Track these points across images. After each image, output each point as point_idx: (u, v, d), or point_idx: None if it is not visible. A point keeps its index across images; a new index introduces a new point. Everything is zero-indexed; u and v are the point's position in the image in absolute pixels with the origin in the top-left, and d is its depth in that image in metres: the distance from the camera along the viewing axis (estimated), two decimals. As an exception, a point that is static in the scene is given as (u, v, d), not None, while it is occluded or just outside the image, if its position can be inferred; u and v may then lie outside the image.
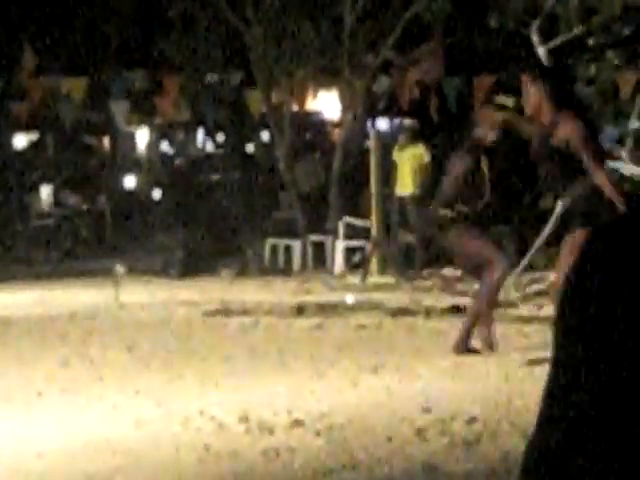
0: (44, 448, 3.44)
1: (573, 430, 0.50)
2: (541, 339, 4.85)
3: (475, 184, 5.01)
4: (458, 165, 5.09)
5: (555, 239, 8.42)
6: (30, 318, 6.88)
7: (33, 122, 13.11)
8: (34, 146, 14.34)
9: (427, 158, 9.99)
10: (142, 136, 16.28)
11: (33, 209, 13.35)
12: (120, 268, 7.58)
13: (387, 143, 10.66)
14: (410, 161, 9.93)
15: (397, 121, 14.04)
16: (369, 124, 12.08)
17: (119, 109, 11.75)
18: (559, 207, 7.26)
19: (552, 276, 7.09)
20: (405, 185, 9.91)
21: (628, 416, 0.49)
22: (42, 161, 14.20)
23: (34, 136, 14.42)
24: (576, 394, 0.50)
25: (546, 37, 6.31)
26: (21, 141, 14.40)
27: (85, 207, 13.27)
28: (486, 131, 5.17)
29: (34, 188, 13.65)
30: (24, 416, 3.93)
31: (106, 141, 15.80)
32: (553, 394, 0.52)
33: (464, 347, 4.84)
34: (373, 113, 12.32)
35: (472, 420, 3.69)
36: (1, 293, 8.68)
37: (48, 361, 5.08)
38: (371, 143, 9.88)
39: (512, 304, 7.09)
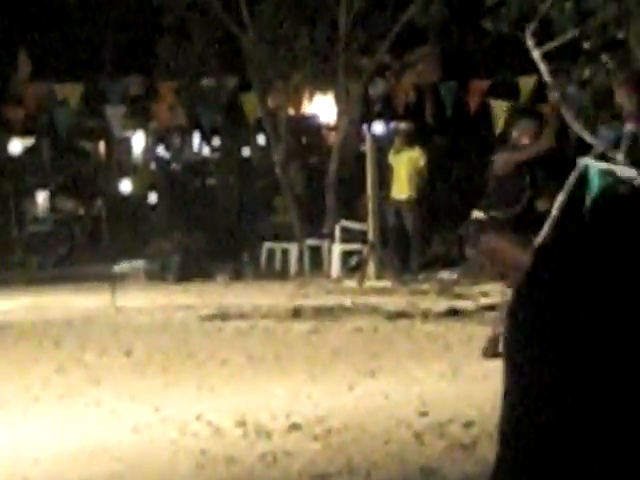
0: (41, 453, 3.43)
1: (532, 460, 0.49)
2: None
3: (512, 188, 5.05)
4: (497, 167, 5.16)
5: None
6: (26, 323, 6.86)
7: (29, 127, 13.11)
8: (30, 151, 14.32)
9: (423, 161, 10.01)
10: (138, 141, 16.27)
11: (29, 214, 13.34)
12: (118, 269, 7.56)
13: (383, 147, 10.67)
14: (406, 165, 9.95)
15: (393, 125, 14.06)
16: (365, 128, 12.10)
17: (115, 114, 11.75)
18: (556, 209, 7.27)
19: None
20: (401, 188, 9.93)
21: (587, 437, 0.49)
22: (38, 166, 14.19)
23: (30, 141, 14.41)
24: (529, 420, 0.50)
25: (541, 40, 6.32)
26: (17, 146, 14.38)
27: (81, 212, 13.27)
28: (525, 138, 5.26)
29: (30, 193, 13.64)
30: (21, 421, 3.93)
31: (102, 146, 15.79)
32: (510, 420, 0.51)
33: (493, 351, 4.76)
34: (369, 117, 12.34)
35: (469, 423, 3.69)
36: (-3, 299, 8.66)
37: (44, 366, 5.07)
38: (367, 147, 9.90)
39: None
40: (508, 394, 0.51)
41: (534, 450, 0.48)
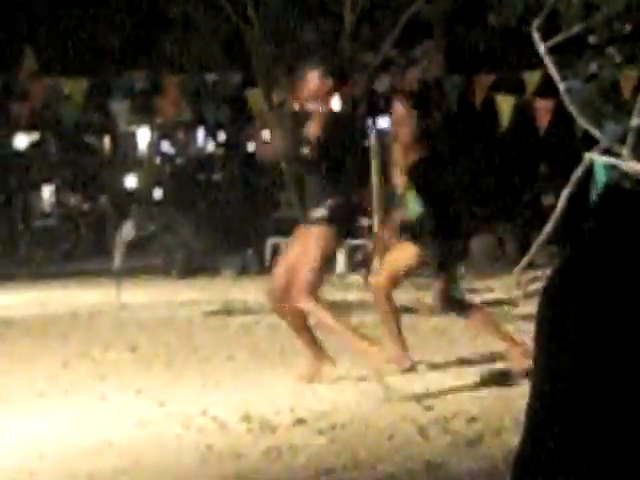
0: (46, 448, 3.44)
1: (562, 441, 0.50)
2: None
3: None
4: None
5: (557, 236, 8.41)
6: (32, 318, 6.88)
7: (34, 122, 13.12)
8: (35, 146, 14.34)
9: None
10: (143, 136, 16.27)
11: (35, 209, 13.36)
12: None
13: (387, 142, 10.65)
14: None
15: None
16: (370, 122, 12.08)
17: (120, 109, 11.75)
18: (561, 204, 7.23)
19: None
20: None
21: (615, 425, 0.49)
22: (43, 161, 14.22)
23: (35, 136, 14.42)
24: (564, 404, 0.51)
25: (547, 35, 6.30)
26: (22, 141, 14.39)
27: (86, 207, 13.28)
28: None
29: (35, 188, 13.66)
30: (26, 416, 3.94)
31: (107, 141, 15.80)
32: (540, 404, 0.52)
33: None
34: (374, 112, 12.31)
35: (474, 418, 3.68)
36: (3, 293, 8.68)
37: (50, 361, 5.08)
38: (371, 142, 9.88)
39: (513, 302, 7.09)
40: (540, 375, 0.53)
41: (577, 416, 0.50)
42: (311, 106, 4.29)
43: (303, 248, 4.26)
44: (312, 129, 4.21)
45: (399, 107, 4.60)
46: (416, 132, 4.52)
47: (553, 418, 0.51)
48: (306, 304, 4.18)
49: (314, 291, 4.22)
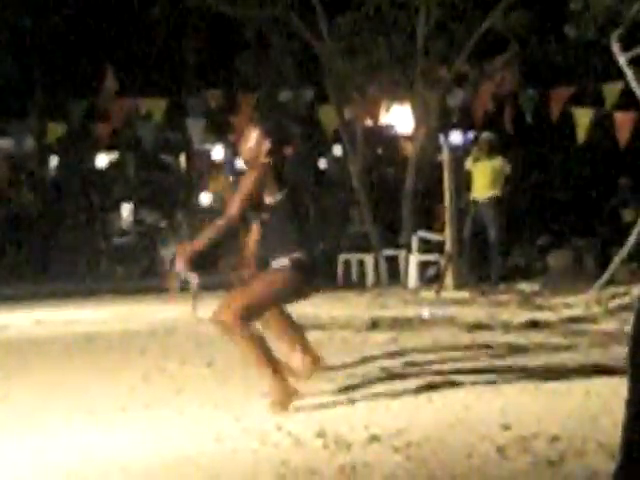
0: (128, 462, 3.52)
1: None
2: (625, 355, 4.70)
3: None
4: None
5: (638, 252, 8.16)
6: (113, 333, 7.06)
7: (114, 142, 13.52)
8: (115, 165, 14.78)
9: (508, 169, 9.87)
10: (217, 153, 16.55)
11: (114, 227, 13.74)
12: (195, 281, 7.71)
13: (460, 156, 10.57)
14: (488, 172, 9.82)
15: (470, 134, 13.89)
16: (442, 138, 12.01)
17: (196, 127, 12.01)
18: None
19: (635, 290, 6.87)
20: (483, 191, 9.79)
21: None
22: (122, 180, 14.63)
23: (114, 156, 14.86)
24: None
25: (627, 46, 6.14)
26: (103, 161, 14.85)
27: (163, 224, 13.58)
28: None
29: (115, 206, 14.05)
30: (109, 429, 4.04)
31: (182, 159, 16.14)
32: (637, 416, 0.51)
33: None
34: (446, 127, 12.23)
35: (555, 438, 3.60)
36: (86, 309, 8.94)
37: (131, 375, 5.20)
38: (444, 156, 9.82)
39: (594, 319, 6.91)
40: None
41: None
42: (248, 163, 4.27)
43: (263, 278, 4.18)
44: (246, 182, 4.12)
45: None
46: None
47: None
48: (228, 320, 4.09)
49: (248, 319, 4.03)
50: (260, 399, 4.48)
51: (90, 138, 12.84)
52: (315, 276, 4.30)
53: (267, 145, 4.25)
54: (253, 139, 4.26)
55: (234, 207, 4.15)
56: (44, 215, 13.45)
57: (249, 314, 4.13)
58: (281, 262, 4.22)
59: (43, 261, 12.82)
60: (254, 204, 4.25)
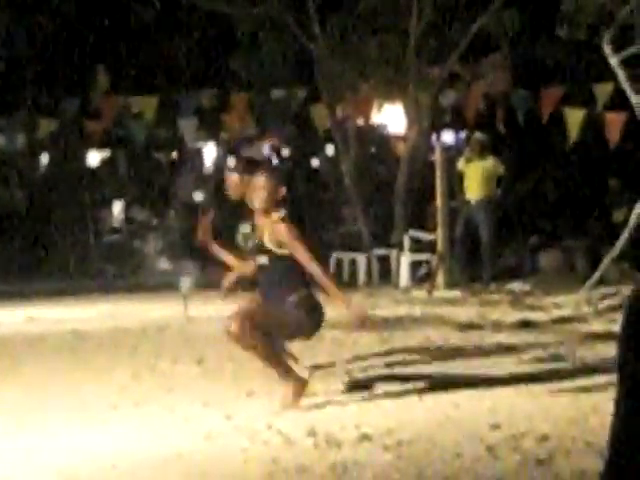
0: (119, 459, 3.52)
1: None
2: (614, 355, 4.72)
3: None
4: None
5: (628, 253, 8.19)
6: (104, 331, 7.05)
7: (105, 140, 13.48)
8: (106, 163, 14.73)
9: (501, 170, 9.88)
10: (209, 152, 16.53)
11: (105, 224, 13.70)
12: (186, 282, 7.71)
13: (452, 156, 10.59)
14: (480, 173, 9.83)
15: (462, 134, 13.92)
16: (434, 137, 12.02)
17: (187, 126, 11.99)
18: (633, 220, 7.06)
19: (625, 290, 6.90)
20: (475, 191, 9.80)
21: None
22: (114, 178, 14.58)
23: (106, 153, 14.81)
24: None
25: (619, 47, 6.17)
26: (94, 159, 14.80)
27: (154, 222, 13.55)
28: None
29: (106, 204, 14.01)
30: (100, 427, 4.03)
31: (174, 157, 16.10)
32: (627, 413, 0.51)
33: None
34: (438, 126, 12.25)
35: (544, 437, 3.62)
36: (76, 307, 8.92)
37: (121, 373, 5.19)
38: (436, 156, 9.83)
39: (584, 319, 6.94)
40: (623, 401, 0.52)
41: None
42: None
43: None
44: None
45: None
46: None
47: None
48: (236, 332, 4.15)
49: (252, 334, 4.12)
50: (250, 398, 4.48)
51: (81, 136, 12.81)
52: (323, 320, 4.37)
53: (284, 191, 4.37)
54: (266, 188, 4.33)
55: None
56: (34, 212, 13.41)
57: (254, 333, 4.19)
58: (296, 299, 4.26)
59: (33, 259, 12.79)
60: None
